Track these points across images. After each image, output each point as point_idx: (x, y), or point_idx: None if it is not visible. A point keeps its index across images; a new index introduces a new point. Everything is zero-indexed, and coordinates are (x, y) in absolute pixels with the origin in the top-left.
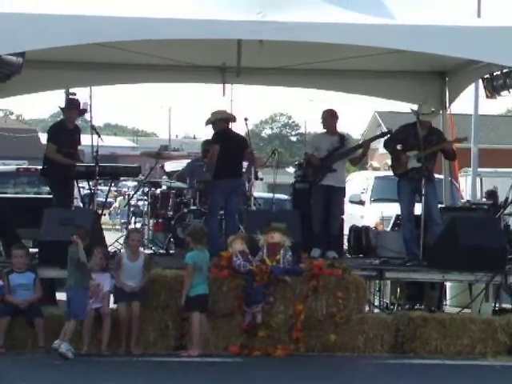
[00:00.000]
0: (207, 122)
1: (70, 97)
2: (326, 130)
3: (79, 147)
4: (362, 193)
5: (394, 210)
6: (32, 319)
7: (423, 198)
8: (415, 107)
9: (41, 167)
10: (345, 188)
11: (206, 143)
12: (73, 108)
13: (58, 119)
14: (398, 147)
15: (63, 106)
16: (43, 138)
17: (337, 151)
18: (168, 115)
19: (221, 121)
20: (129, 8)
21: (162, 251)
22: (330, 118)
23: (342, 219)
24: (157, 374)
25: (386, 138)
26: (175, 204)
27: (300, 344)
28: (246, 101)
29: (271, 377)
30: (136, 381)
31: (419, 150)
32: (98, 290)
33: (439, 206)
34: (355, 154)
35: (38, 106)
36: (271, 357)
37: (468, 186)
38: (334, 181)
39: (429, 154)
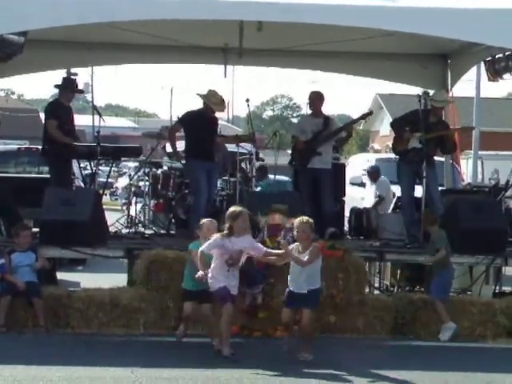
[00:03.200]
0: (200, 96)
1: (67, 77)
2: (311, 112)
3: (77, 128)
4: (363, 175)
5: (394, 192)
6: (31, 299)
7: (424, 181)
8: (420, 91)
9: (41, 147)
10: (331, 169)
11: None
12: (70, 90)
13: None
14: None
15: (59, 84)
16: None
17: (321, 134)
18: (169, 96)
19: (212, 105)
20: None
21: (162, 231)
22: (315, 100)
23: (343, 200)
24: (157, 353)
25: (386, 122)
26: (176, 184)
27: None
28: (248, 82)
29: (271, 357)
30: (136, 360)
31: (424, 133)
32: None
33: (440, 188)
34: (340, 135)
35: (40, 86)
36: (271, 337)
37: (469, 169)
38: (320, 163)
39: (431, 139)
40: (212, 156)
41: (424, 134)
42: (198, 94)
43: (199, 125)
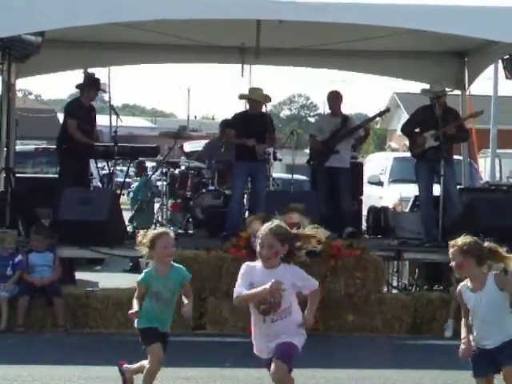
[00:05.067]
0: (240, 97)
1: (89, 74)
2: (330, 111)
3: (97, 128)
4: (381, 174)
5: (412, 190)
6: (51, 299)
7: (442, 179)
8: (427, 87)
9: (57, 145)
10: (349, 168)
11: (224, 123)
12: (94, 88)
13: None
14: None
15: (81, 83)
16: (62, 118)
17: (338, 133)
18: (187, 96)
19: (253, 101)
20: None
21: (180, 231)
22: (334, 99)
23: (361, 199)
24: (174, 352)
25: (403, 121)
26: (194, 184)
27: (318, 324)
28: (265, 81)
29: None
30: None
31: (436, 129)
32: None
33: (458, 187)
34: (358, 134)
35: (57, 86)
36: None
37: (487, 167)
38: (338, 162)
39: (446, 133)
40: (255, 156)
41: (438, 130)
42: (240, 97)
43: (241, 125)
